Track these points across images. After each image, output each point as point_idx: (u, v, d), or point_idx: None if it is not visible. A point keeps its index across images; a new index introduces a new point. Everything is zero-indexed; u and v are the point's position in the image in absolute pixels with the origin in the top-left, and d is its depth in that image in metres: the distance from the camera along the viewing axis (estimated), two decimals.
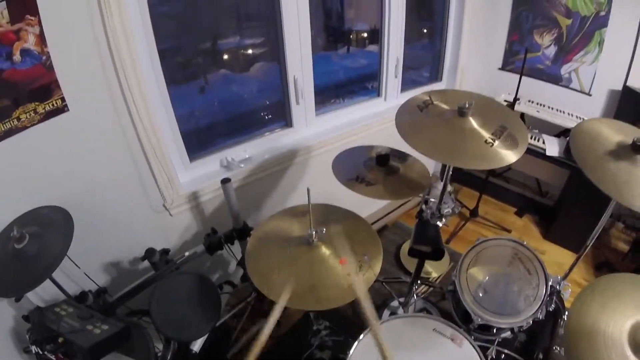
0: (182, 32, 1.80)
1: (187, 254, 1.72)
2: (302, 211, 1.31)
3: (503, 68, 3.28)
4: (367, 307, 1.02)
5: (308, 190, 1.18)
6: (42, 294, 1.46)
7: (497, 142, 1.25)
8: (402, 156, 1.69)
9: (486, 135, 1.26)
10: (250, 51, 2.08)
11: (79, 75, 1.35)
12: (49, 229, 1.29)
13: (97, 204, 1.56)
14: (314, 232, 1.24)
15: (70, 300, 1.36)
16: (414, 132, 1.29)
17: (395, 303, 2.10)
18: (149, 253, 1.60)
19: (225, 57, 2.01)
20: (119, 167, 1.58)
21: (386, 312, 2.12)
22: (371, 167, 1.58)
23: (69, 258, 1.30)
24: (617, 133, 1.37)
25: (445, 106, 1.38)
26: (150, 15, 1.53)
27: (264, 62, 2.13)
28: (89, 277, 1.54)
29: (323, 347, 1.87)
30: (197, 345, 1.54)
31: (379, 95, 2.75)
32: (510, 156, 1.23)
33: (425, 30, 3.12)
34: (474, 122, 1.29)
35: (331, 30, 2.58)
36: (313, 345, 1.86)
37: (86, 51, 1.34)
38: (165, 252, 1.68)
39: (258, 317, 2.21)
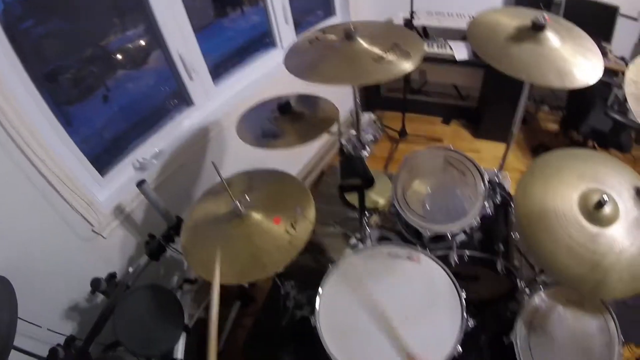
0: (66, 47, 1.67)
1: (130, 269, 1.64)
2: (222, 187, 1.25)
3: None
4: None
5: (214, 164, 1.12)
6: None
7: (387, 57, 1.24)
8: (306, 99, 1.64)
9: (378, 51, 1.25)
10: (141, 42, 1.95)
11: None
12: None
13: (27, 258, 1.45)
14: (238, 203, 1.19)
15: None
16: (308, 69, 1.26)
17: (353, 240, 2.13)
18: (95, 283, 1.51)
19: (119, 56, 1.88)
20: (35, 211, 1.46)
21: (348, 251, 2.14)
22: (276, 119, 1.53)
23: (25, 321, 1.23)
24: (514, 18, 1.40)
25: (334, 37, 1.35)
26: (29, 40, 1.45)
27: (159, 49, 1.98)
28: (53, 331, 1.45)
29: (299, 305, 1.88)
30: (179, 352, 1.52)
31: (274, 46, 2.64)
32: (404, 65, 1.23)
33: None
34: (363, 43, 1.27)
35: None
36: (290, 308, 1.87)
37: None
38: (112, 276, 1.60)
39: (230, 300, 2.19)
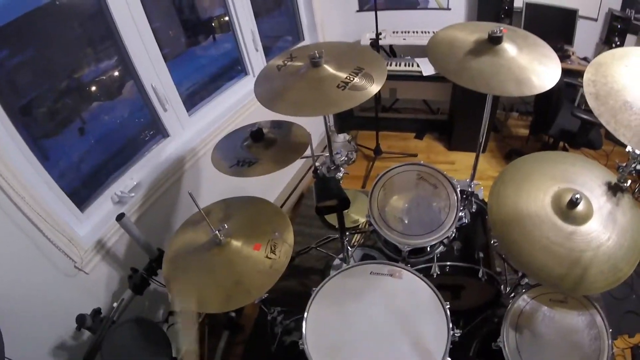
0: (41, 78, 1.65)
1: (115, 304, 1.62)
2: (201, 216, 1.27)
3: (361, 9, 3.35)
4: None
5: (191, 194, 1.13)
6: None
7: (353, 81, 1.27)
8: (278, 125, 1.68)
9: (343, 77, 1.28)
10: (115, 73, 1.93)
11: None
12: None
13: (11, 296, 1.42)
14: (217, 232, 1.21)
15: None
16: (275, 98, 1.28)
17: (337, 261, 2.14)
18: (80, 320, 1.49)
19: (93, 88, 1.86)
20: (16, 248, 1.44)
21: (331, 272, 2.15)
22: (250, 147, 1.55)
23: None
24: (472, 33, 1.43)
25: (299, 63, 1.38)
26: (3, 71, 1.43)
27: (133, 80, 1.99)
28: None
29: (288, 330, 1.87)
30: None
31: (246, 73, 2.69)
32: (368, 90, 1.26)
33: None
34: (328, 69, 1.30)
35: (189, 25, 2.47)
36: (278, 334, 1.85)
37: None
38: (97, 312, 1.58)
39: (219, 330, 2.17)
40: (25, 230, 1.45)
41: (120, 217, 1.60)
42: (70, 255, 1.59)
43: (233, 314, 2.24)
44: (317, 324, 1.32)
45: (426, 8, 3.27)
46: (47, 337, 1.58)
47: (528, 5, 2.90)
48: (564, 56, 2.87)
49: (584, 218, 1.13)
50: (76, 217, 1.73)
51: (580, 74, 2.71)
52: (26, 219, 1.44)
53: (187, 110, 2.23)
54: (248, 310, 2.33)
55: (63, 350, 1.62)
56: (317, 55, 1.28)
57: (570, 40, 2.89)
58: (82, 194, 1.78)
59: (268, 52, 2.77)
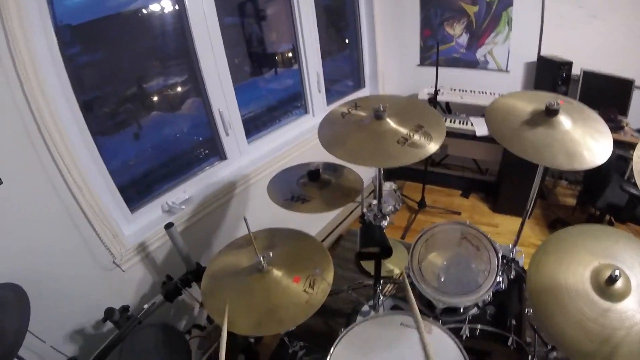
0: (106, 80, 1.76)
1: (145, 306, 1.67)
2: (247, 240, 1.32)
3: (422, 64, 3.45)
4: None
5: (245, 219, 1.19)
6: None
7: (413, 138, 1.31)
8: (334, 168, 1.73)
9: (403, 132, 1.32)
10: (179, 89, 2.07)
11: (7, 148, 1.32)
12: (3, 308, 1.21)
13: (46, 274, 1.50)
14: (262, 258, 1.24)
15: None
16: (336, 144, 1.33)
17: (365, 308, 2.11)
18: (109, 313, 1.55)
19: (155, 98, 1.98)
20: (62, 233, 1.53)
21: (359, 319, 2.11)
22: (305, 184, 1.61)
23: (32, 333, 1.26)
24: (530, 103, 1.45)
25: (363, 113, 1.44)
26: (72, 66, 1.50)
27: (195, 98, 2.11)
28: (55, 349, 1.48)
29: None
30: None
31: (306, 112, 2.80)
32: (426, 149, 1.29)
33: (342, 43, 3.24)
34: (390, 123, 1.35)
35: (255, 56, 2.61)
36: None
37: (10, 122, 1.31)
38: (125, 309, 1.63)
39: (235, 353, 2.17)
40: (74, 217, 1.54)
41: (169, 226, 1.69)
42: (111, 250, 1.68)
43: (252, 340, 2.24)
44: None
45: (485, 69, 3.31)
46: (69, 320, 1.64)
47: (585, 73, 2.87)
48: (617, 127, 2.77)
49: (621, 296, 1.09)
50: (125, 216, 1.82)
51: (632, 146, 2.58)
52: (78, 206, 1.53)
53: (246, 137, 2.33)
54: (267, 339, 2.32)
55: (81, 337, 1.67)
56: (382, 108, 1.33)
57: (624, 111, 2.80)
58: (129, 195, 1.86)
59: (327, 93, 2.87)
